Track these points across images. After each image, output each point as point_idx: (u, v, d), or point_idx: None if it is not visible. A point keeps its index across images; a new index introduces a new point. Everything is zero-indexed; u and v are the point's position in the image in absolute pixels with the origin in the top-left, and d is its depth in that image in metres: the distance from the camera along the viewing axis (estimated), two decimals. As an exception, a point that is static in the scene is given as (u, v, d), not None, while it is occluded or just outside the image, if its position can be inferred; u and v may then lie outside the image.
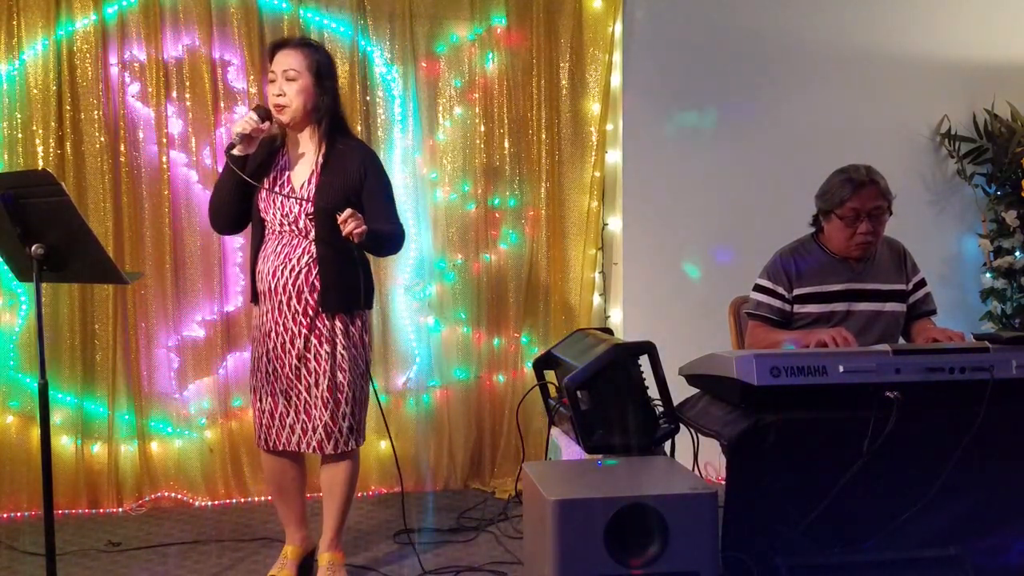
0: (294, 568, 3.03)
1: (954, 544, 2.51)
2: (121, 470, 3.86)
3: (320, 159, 2.88)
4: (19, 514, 3.76)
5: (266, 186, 2.88)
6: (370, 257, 2.97)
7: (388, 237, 2.91)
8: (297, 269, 2.84)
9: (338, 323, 2.87)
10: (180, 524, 3.69)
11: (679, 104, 4.27)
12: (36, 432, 3.61)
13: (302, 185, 2.87)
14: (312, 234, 2.83)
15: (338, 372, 2.87)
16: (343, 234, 2.71)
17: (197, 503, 3.91)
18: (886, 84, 4.43)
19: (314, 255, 2.84)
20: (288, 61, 2.84)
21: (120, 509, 3.83)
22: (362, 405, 2.97)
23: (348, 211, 2.70)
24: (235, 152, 2.80)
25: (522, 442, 3.84)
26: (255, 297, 2.95)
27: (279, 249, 2.86)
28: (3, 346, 3.78)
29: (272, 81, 2.87)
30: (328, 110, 2.88)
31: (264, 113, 2.82)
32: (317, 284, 2.84)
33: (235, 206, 2.92)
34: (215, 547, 3.42)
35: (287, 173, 2.90)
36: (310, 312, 2.85)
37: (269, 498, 3.20)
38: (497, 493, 4.04)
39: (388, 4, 4.00)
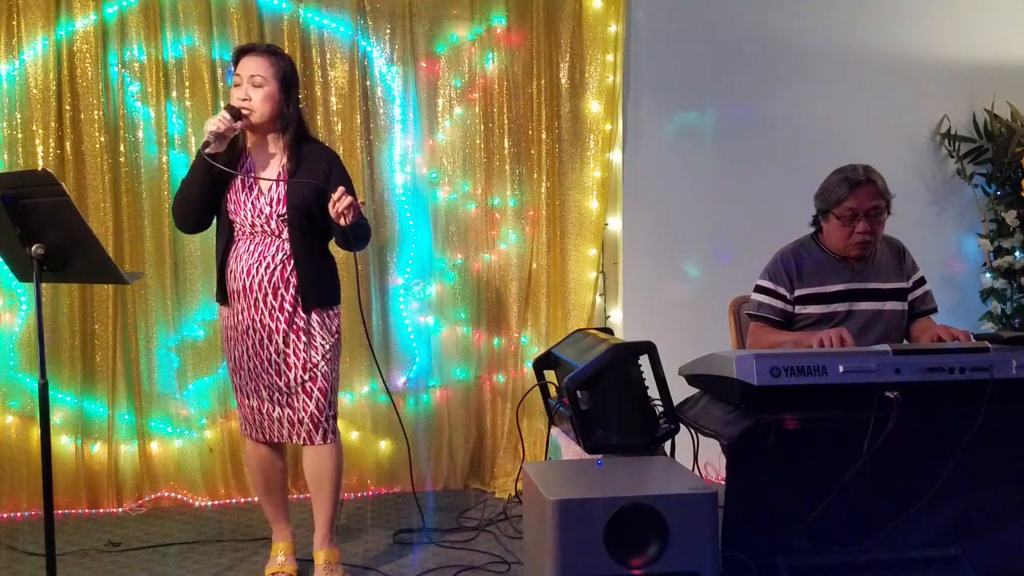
0: (295, 562, 3.06)
1: (954, 544, 2.52)
2: (121, 470, 3.86)
3: (287, 163, 2.91)
4: (19, 514, 3.76)
5: (250, 176, 2.89)
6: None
7: (365, 225, 2.94)
8: (272, 267, 2.87)
9: (315, 317, 2.92)
10: (180, 524, 3.69)
11: (679, 104, 4.27)
12: (36, 432, 3.61)
13: (270, 187, 2.89)
14: (285, 233, 2.87)
15: (321, 363, 2.91)
16: (336, 212, 2.71)
17: (197, 503, 3.91)
18: (886, 84, 4.43)
19: (288, 253, 2.88)
20: (255, 67, 2.88)
21: (120, 509, 3.83)
22: (337, 395, 3.04)
23: (341, 188, 2.73)
24: (209, 150, 2.81)
25: (522, 442, 3.84)
26: (224, 297, 2.95)
27: (251, 248, 2.89)
28: (3, 346, 3.78)
29: (237, 85, 2.90)
30: (293, 118, 2.93)
31: (236, 113, 2.85)
32: (293, 280, 2.88)
33: (205, 205, 2.93)
34: (215, 547, 3.43)
35: (252, 174, 2.92)
36: (287, 308, 2.88)
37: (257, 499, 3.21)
38: (497, 493, 4.04)
39: (388, 4, 4.00)
